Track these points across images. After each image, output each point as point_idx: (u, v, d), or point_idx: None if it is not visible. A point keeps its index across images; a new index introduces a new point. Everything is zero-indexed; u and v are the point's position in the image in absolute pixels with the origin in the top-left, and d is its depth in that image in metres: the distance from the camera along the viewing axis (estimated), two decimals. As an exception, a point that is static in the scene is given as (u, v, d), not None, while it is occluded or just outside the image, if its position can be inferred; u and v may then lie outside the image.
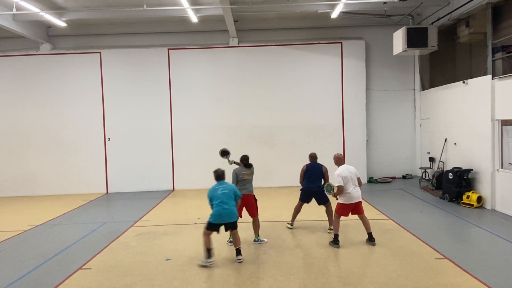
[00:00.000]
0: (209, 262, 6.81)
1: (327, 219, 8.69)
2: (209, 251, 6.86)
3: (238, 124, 14.67)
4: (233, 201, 7.00)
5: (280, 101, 14.64)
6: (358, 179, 7.73)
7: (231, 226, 7.06)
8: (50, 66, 14.62)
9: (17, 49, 14.64)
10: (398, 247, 7.46)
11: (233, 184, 7.66)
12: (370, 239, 7.70)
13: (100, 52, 14.62)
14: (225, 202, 6.86)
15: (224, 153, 8.68)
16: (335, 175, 7.56)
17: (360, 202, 7.74)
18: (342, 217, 7.78)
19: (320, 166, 8.74)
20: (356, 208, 7.71)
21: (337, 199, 7.70)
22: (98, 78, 14.63)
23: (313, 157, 8.97)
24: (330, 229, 8.44)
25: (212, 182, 7.18)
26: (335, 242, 7.63)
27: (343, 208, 7.65)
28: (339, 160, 7.88)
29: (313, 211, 10.65)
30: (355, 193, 7.59)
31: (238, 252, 7.04)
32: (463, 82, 11.36)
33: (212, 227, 6.94)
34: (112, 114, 14.66)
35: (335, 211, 7.75)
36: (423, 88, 14.63)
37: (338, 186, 7.49)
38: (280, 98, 14.63)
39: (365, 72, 14.72)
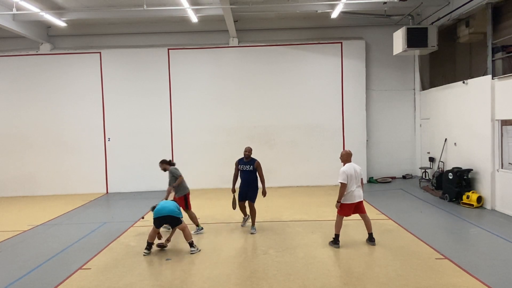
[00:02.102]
0: (145, 252, 7.49)
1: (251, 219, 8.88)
2: (149, 245, 7.56)
3: (238, 124, 14.66)
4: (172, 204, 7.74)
5: (280, 101, 14.64)
6: (361, 180, 7.68)
7: (171, 222, 7.64)
8: (50, 66, 14.62)
9: (17, 49, 14.64)
10: (398, 247, 7.46)
11: (172, 181, 8.74)
12: (370, 239, 7.69)
13: (100, 52, 14.62)
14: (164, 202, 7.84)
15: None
16: (341, 171, 7.46)
17: (362, 201, 7.70)
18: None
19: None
20: (358, 208, 7.66)
21: (337, 206, 7.57)
22: (98, 78, 14.63)
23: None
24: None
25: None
26: (335, 242, 7.62)
27: (345, 208, 7.58)
28: (348, 157, 7.69)
29: (314, 211, 10.67)
30: (356, 193, 7.53)
31: (190, 244, 7.59)
32: (463, 82, 11.36)
33: (154, 222, 7.58)
34: (112, 114, 14.66)
35: (337, 212, 7.68)
36: (423, 88, 14.63)
37: (341, 182, 7.39)
38: (280, 98, 14.63)
39: (365, 72, 14.72)
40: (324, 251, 7.41)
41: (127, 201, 13.14)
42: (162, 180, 14.65)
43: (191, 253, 7.42)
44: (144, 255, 7.43)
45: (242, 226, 9.17)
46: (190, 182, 14.74)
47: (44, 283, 6.33)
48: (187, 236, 7.57)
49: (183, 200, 8.85)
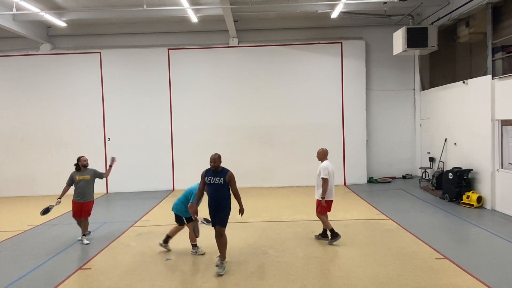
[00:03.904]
0: (163, 245, 7.60)
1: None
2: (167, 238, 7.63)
3: (238, 124, 14.66)
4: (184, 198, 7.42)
5: (280, 101, 14.64)
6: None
7: (176, 219, 7.60)
8: (50, 66, 14.62)
9: (17, 49, 14.64)
10: (398, 247, 7.46)
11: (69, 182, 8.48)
12: (323, 235, 7.97)
13: (100, 52, 14.62)
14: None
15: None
16: (323, 167, 7.70)
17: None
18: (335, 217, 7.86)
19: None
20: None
21: (322, 199, 7.73)
22: (98, 78, 14.63)
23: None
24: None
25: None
26: (333, 236, 7.75)
27: (328, 205, 7.83)
28: (325, 155, 7.97)
29: (314, 211, 10.65)
30: (333, 189, 7.83)
31: (193, 246, 7.52)
32: (463, 82, 11.36)
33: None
34: (112, 114, 14.66)
35: (321, 212, 7.85)
36: (423, 88, 14.63)
37: (323, 178, 7.60)
38: (280, 98, 14.63)
39: (365, 72, 14.72)
40: (324, 251, 7.42)
41: (127, 201, 13.14)
42: (162, 180, 14.76)
43: (192, 254, 7.40)
44: (159, 245, 7.58)
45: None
46: (191, 182, 14.86)
47: (44, 283, 6.32)
48: (191, 238, 7.48)
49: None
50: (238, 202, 6.70)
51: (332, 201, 7.86)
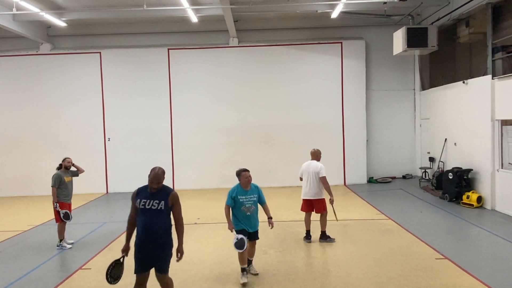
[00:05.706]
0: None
1: None
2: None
3: (238, 124, 14.66)
4: None
5: (280, 101, 14.64)
6: (321, 178, 7.71)
7: None
8: (50, 66, 14.62)
9: (17, 49, 14.64)
10: (398, 247, 7.46)
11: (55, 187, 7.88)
12: (322, 237, 7.99)
13: (100, 52, 14.63)
14: None
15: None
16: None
17: (316, 200, 7.86)
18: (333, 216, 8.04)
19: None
20: (314, 207, 7.99)
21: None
22: (98, 78, 14.64)
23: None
24: None
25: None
26: (306, 237, 8.02)
27: (302, 203, 8.07)
28: (311, 155, 8.15)
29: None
30: (305, 189, 7.93)
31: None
32: (463, 82, 11.36)
33: None
34: (112, 114, 14.66)
35: (301, 209, 8.13)
36: (423, 88, 14.63)
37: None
38: (280, 98, 14.63)
39: (365, 72, 14.72)
40: (324, 251, 7.42)
41: (127, 201, 13.09)
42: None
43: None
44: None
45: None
46: (190, 182, 15.00)
47: (44, 283, 6.32)
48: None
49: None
50: (178, 235, 4.82)
51: (304, 200, 7.98)
